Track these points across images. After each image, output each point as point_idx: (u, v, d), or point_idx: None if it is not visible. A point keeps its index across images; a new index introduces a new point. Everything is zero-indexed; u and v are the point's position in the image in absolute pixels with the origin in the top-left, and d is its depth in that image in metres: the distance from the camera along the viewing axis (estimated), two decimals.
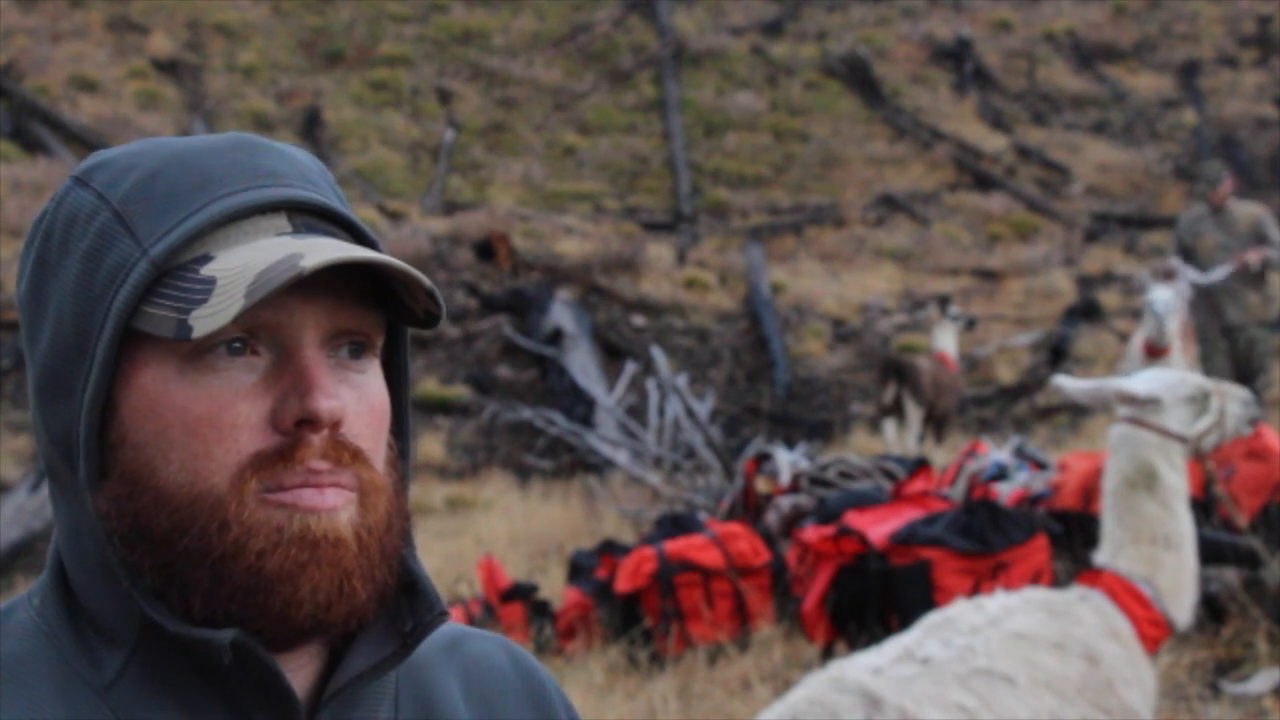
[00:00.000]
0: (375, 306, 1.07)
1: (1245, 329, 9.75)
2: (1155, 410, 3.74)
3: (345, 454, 1.03)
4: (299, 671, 1.07)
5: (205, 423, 1.01)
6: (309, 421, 1.01)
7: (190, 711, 1.03)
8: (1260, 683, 5.30)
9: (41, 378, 1.06)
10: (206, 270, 1.01)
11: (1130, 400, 3.73)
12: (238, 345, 1.02)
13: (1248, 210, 9.93)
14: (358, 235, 1.08)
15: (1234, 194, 10.08)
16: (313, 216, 1.07)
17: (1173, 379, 3.83)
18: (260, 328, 1.02)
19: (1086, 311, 17.42)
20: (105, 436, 1.03)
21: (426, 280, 1.03)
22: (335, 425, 1.03)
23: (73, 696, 1.02)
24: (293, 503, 1.01)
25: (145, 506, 1.01)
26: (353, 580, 1.03)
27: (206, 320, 0.98)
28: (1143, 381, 3.81)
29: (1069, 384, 4.00)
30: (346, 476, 1.03)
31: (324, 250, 1.00)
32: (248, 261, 1.00)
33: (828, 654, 5.64)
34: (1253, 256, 9.71)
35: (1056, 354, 16.10)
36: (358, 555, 1.03)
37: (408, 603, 1.10)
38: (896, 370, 12.23)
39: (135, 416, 1.02)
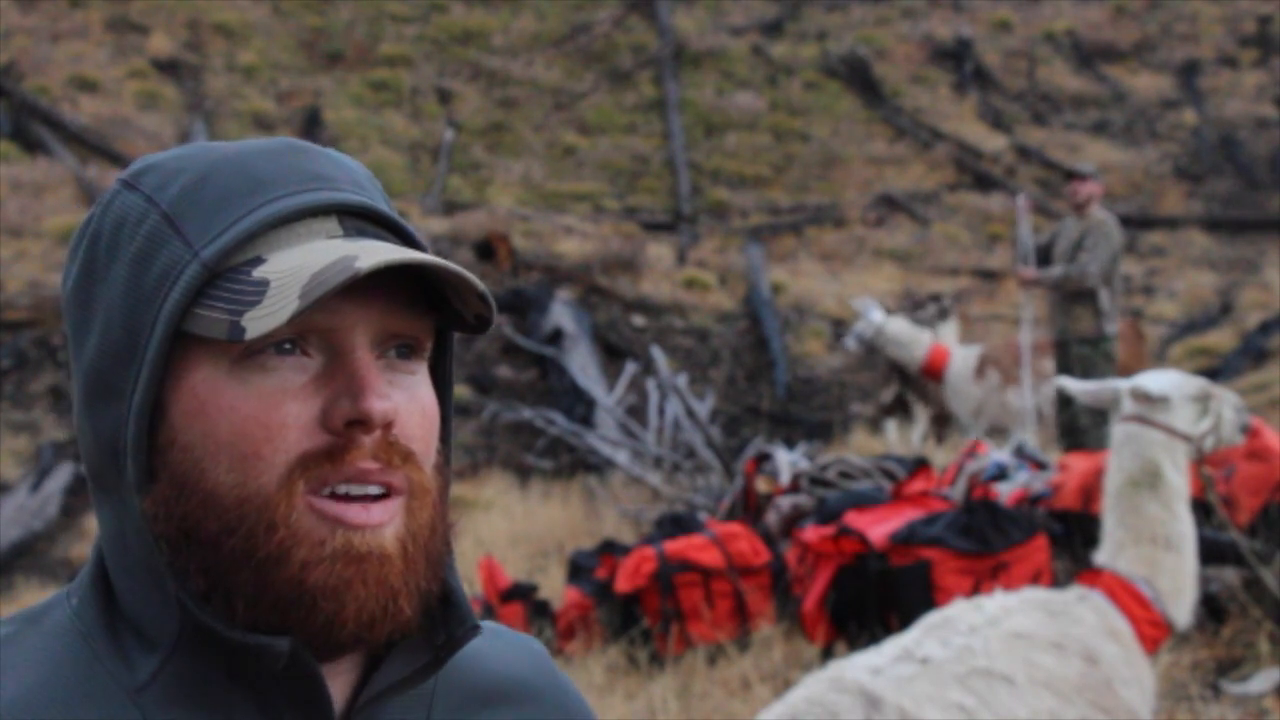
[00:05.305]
0: (425, 311, 1.07)
1: (1070, 345, 9.45)
2: (1164, 409, 3.73)
3: (396, 456, 1.03)
4: (338, 679, 1.07)
5: (254, 422, 1.01)
6: (360, 422, 1.01)
7: (221, 715, 1.03)
8: (1260, 683, 5.29)
9: (89, 381, 1.05)
10: (259, 272, 1.01)
11: (1143, 398, 3.72)
12: (288, 346, 1.02)
13: (1095, 219, 9.49)
14: (407, 239, 1.09)
15: (1101, 200, 9.66)
16: (363, 220, 1.07)
17: (1178, 378, 3.83)
18: (311, 330, 1.02)
19: None
20: (154, 439, 1.03)
21: (479, 283, 1.04)
22: (387, 426, 1.02)
23: (102, 697, 1.02)
24: (337, 516, 1.01)
25: (194, 509, 1.01)
26: (399, 600, 1.03)
27: (260, 321, 0.98)
28: (1152, 380, 3.80)
29: (1072, 385, 3.99)
30: (398, 477, 1.03)
31: (377, 253, 1.01)
32: (301, 264, 1.00)
33: (828, 654, 5.64)
34: (1027, 274, 9.59)
35: None
36: (404, 572, 1.03)
37: (441, 614, 1.09)
38: (899, 370, 12.24)
39: (184, 418, 1.02)
